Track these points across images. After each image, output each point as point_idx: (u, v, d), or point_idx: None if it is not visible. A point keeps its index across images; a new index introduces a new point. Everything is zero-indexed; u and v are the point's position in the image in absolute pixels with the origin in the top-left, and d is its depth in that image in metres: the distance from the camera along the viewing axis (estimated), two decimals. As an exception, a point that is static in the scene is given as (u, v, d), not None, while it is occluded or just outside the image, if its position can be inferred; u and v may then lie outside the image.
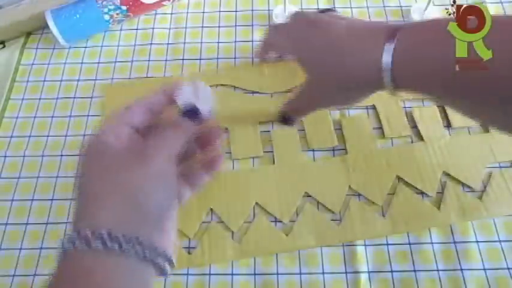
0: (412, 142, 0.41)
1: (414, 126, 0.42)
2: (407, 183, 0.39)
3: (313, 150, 0.41)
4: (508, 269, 0.36)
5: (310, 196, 0.39)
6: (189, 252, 0.37)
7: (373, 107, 0.43)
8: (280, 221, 0.38)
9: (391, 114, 0.42)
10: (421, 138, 0.41)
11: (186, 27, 0.50)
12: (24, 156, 0.42)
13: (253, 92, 0.45)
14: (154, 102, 0.29)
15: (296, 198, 0.39)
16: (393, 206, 0.38)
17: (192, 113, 0.29)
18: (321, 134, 0.42)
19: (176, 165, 0.26)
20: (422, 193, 0.39)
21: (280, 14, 0.49)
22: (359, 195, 0.39)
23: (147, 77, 0.46)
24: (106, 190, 0.23)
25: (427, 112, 0.42)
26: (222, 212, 0.39)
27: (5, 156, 0.43)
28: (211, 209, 0.39)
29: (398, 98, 0.42)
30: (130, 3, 0.47)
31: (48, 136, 0.44)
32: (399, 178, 0.39)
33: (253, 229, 0.38)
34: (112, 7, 0.46)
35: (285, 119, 0.41)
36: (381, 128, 0.42)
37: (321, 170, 0.40)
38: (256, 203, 0.39)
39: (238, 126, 0.42)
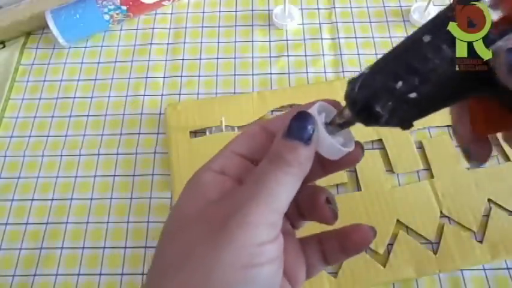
0: (499, 162, 0.40)
1: (497, 144, 0.40)
2: (501, 206, 0.37)
3: (397, 174, 0.40)
4: (508, 269, 0.36)
5: (400, 223, 0.37)
6: None
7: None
8: (375, 251, 0.36)
9: None
10: (507, 157, 0.40)
11: (186, 27, 0.50)
12: (24, 156, 0.42)
13: None
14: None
15: (389, 226, 0.37)
16: (489, 231, 0.36)
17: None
18: (404, 157, 0.40)
19: None
20: None
21: (280, 14, 0.49)
22: (451, 220, 0.37)
23: (216, 96, 0.44)
24: None
25: None
26: None
27: (5, 156, 0.43)
28: None
29: None
30: (131, 3, 0.47)
31: (48, 136, 0.44)
32: (491, 201, 0.38)
33: (348, 261, 0.35)
34: (112, 7, 0.46)
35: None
36: None
37: (409, 196, 0.38)
38: None
39: None
